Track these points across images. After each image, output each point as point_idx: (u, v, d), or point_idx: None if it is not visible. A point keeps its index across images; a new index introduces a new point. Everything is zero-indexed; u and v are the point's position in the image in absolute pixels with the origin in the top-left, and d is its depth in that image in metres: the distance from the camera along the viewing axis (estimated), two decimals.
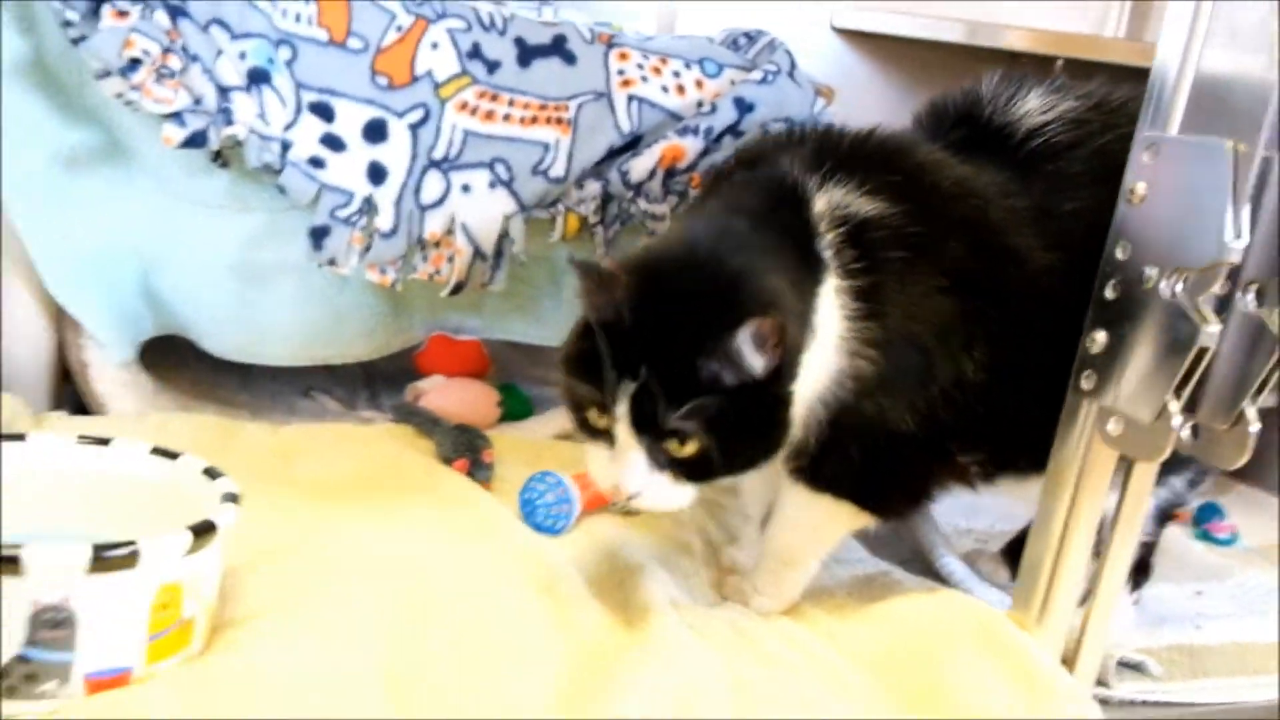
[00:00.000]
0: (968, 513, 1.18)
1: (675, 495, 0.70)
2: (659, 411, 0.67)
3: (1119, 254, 0.66)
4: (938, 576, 0.95)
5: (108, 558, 0.57)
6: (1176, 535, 1.25)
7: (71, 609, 0.56)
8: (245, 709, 0.59)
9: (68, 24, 0.84)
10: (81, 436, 0.73)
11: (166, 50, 0.85)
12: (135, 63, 0.84)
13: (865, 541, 1.01)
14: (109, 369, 0.97)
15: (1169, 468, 0.82)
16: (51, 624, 0.56)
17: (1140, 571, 0.90)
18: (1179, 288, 0.63)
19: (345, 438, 0.98)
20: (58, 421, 0.92)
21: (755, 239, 0.73)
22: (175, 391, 1.04)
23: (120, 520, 0.70)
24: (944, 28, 1.31)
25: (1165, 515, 0.90)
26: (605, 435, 0.70)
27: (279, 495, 0.86)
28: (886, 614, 0.80)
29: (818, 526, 0.82)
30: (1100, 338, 0.68)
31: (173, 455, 0.73)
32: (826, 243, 0.73)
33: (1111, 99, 0.82)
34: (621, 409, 0.68)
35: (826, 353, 0.73)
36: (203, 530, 0.61)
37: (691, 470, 0.70)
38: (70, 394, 0.99)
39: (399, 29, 0.98)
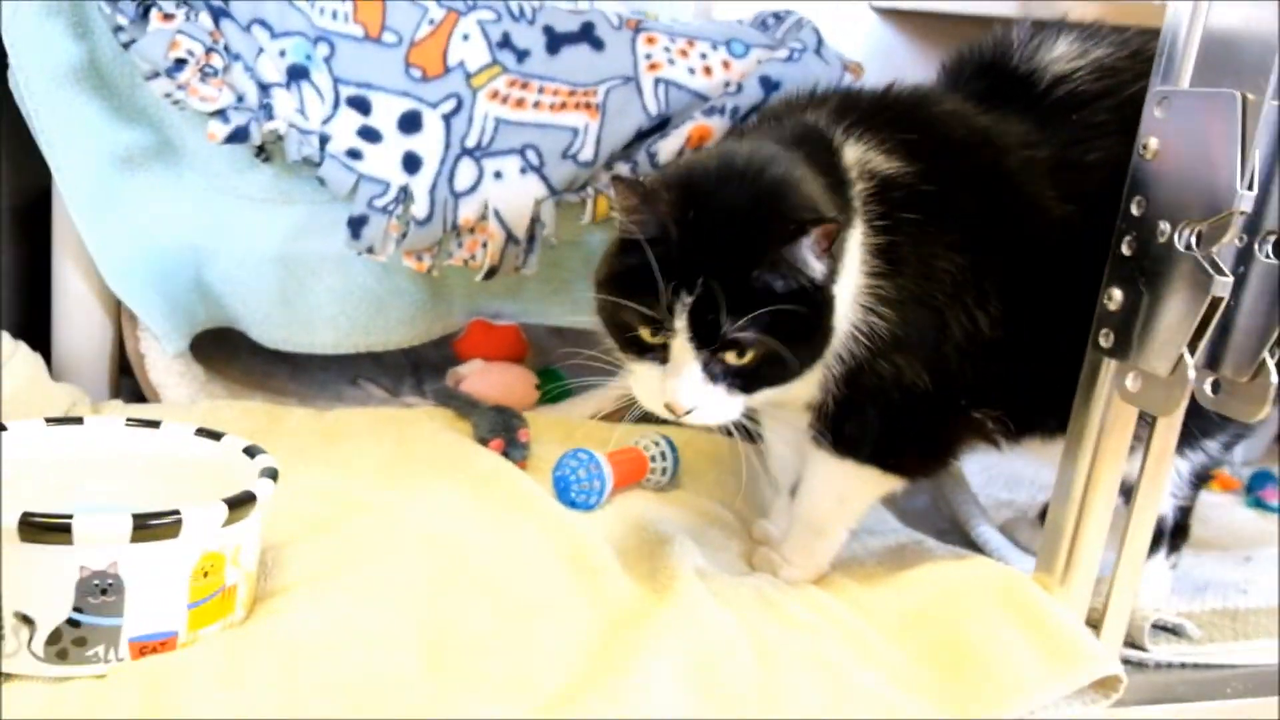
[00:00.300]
0: (1010, 484, 1.18)
1: (728, 407, 0.72)
2: (720, 322, 0.67)
3: (1134, 210, 0.66)
4: (974, 547, 0.95)
5: (151, 526, 0.60)
6: (1227, 502, 1.23)
7: (118, 575, 0.60)
8: (285, 670, 0.62)
9: (119, 29, 0.88)
10: (130, 419, 0.77)
11: (210, 50, 0.89)
12: (181, 63, 0.88)
13: (901, 513, 1.01)
14: (163, 359, 1.01)
15: (1204, 430, 0.81)
16: (99, 590, 0.59)
17: (1178, 535, 0.89)
18: (1193, 241, 0.62)
19: (386, 421, 1.01)
20: (115, 409, 0.96)
21: (795, 160, 0.73)
22: (226, 381, 1.08)
23: (168, 496, 0.73)
24: (995, 4, 1.28)
25: (1201, 478, 0.88)
26: (656, 352, 0.71)
27: (321, 475, 0.89)
28: (913, 580, 0.81)
29: (844, 493, 0.83)
30: (1117, 295, 0.68)
31: (216, 436, 0.76)
32: (856, 193, 0.74)
33: (1149, 47, 0.78)
34: (680, 322, 0.68)
35: (844, 305, 0.73)
36: (241, 501, 0.65)
37: (747, 381, 0.71)
38: (128, 384, 1.04)
39: (431, 22, 1.00)
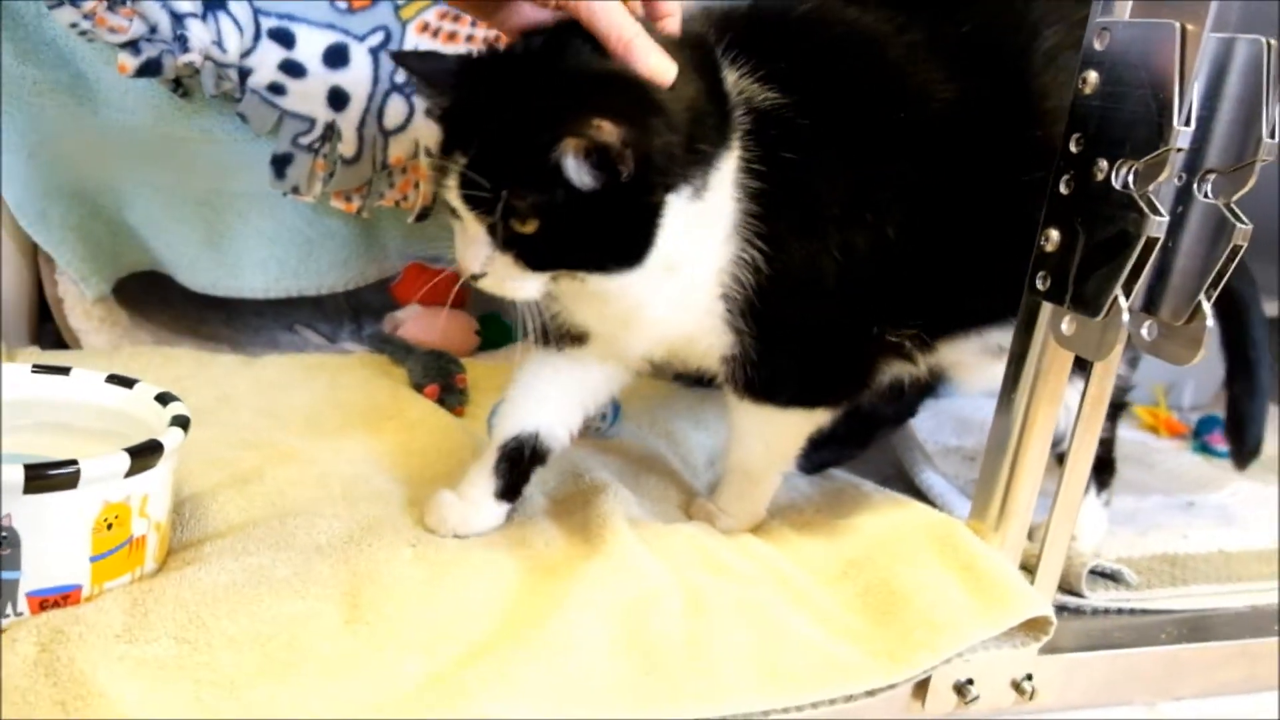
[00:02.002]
0: (959, 430, 1.18)
1: (521, 283, 0.68)
2: (495, 187, 0.64)
3: (1072, 147, 0.64)
4: (918, 493, 0.94)
5: (46, 477, 0.57)
6: (1173, 447, 1.24)
7: (13, 528, 0.57)
8: (194, 621, 0.60)
9: None
10: (37, 365, 0.73)
11: None
12: None
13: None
14: (83, 304, 0.98)
15: None
16: None
17: (1103, 470, 0.89)
18: (1130, 179, 0.60)
19: (318, 368, 0.98)
20: (31, 356, 0.93)
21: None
22: (154, 327, 1.05)
23: (75, 446, 0.70)
24: None
25: (1115, 405, 0.85)
26: (455, 211, 0.69)
27: (247, 422, 0.87)
28: (849, 528, 0.80)
29: (771, 439, 0.81)
30: (1054, 235, 0.66)
31: (129, 383, 0.73)
32: (736, 120, 0.69)
33: None
34: (452, 181, 0.66)
35: (722, 237, 0.70)
36: (146, 450, 0.62)
37: (534, 255, 0.67)
38: (50, 330, 1.00)
39: None
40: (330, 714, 0.55)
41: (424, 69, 0.72)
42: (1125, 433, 1.24)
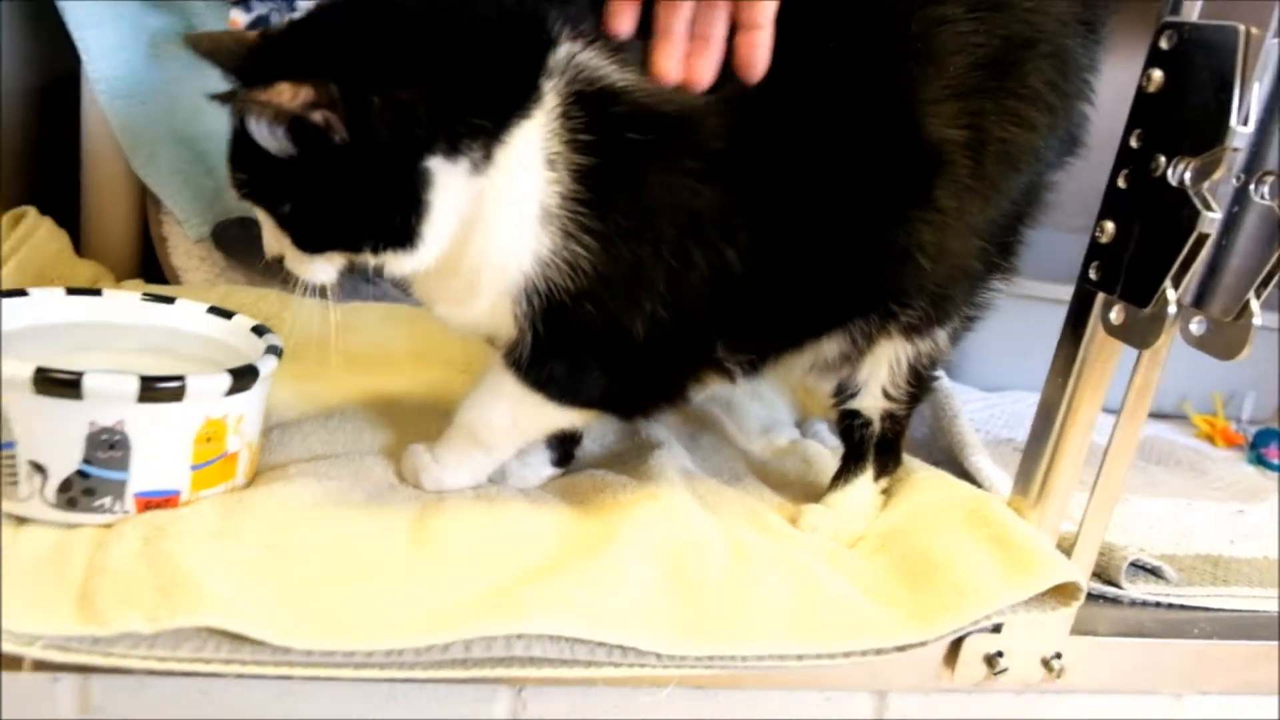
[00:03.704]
0: (1010, 423, 1.20)
1: (309, 266, 0.67)
2: (239, 166, 0.64)
3: (1132, 142, 0.66)
4: (968, 478, 0.96)
5: (157, 389, 0.63)
6: (1230, 457, 1.24)
7: (125, 433, 0.63)
8: (275, 529, 0.66)
9: None
10: (146, 294, 0.80)
11: None
12: None
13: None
14: (185, 243, 1.04)
15: (938, 319, 0.77)
16: (107, 445, 0.63)
17: (884, 451, 0.83)
18: (1186, 176, 0.63)
19: (396, 316, 1.04)
20: (136, 288, 1.00)
21: (430, 5, 0.63)
22: (247, 270, 1.11)
23: (176, 366, 0.76)
24: None
25: (921, 378, 0.81)
26: None
27: (328, 362, 0.92)
28: (894, 500, 0.83)
29: (520, 421, 0.74)
30: (1109, 227, 0.68)
31: (228, 314, 0.79)
32: (554, 90, 0.63)
33: None
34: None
35: (527, 224, 0.64)
36: (244, 373, 0.68)
37: (300, 237, 0.65)
38: (149, 266, 1.07)
39: None
40: (395, 615, 0.60)
41: (213, 51, 0.66)
42: (1180, 439, 1.25)
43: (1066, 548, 0.76)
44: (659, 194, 0.65)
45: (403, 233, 0.63)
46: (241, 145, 0.64)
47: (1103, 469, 0.73)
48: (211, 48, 0.66)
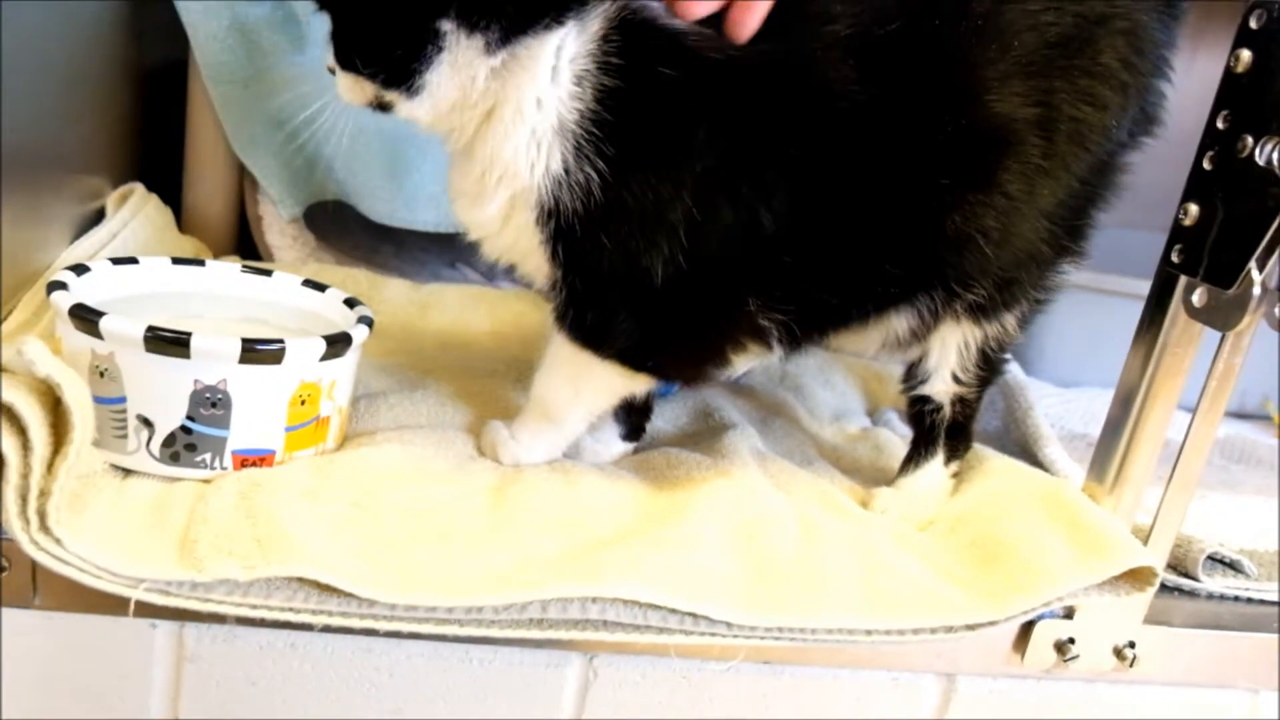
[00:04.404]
0: (1084, 419, 1.18)
1: (340, 81, 0.71)
2: None
3: (1219, 123, 0.66)
4: (1043, 470, 0.96)
5: (257, 351, 0.66)
6: None
7: (227, 392, 0.66)
8: (364, 491, 0.69)
9: None
10: (246, 265, 0.83)
11: None
12: None
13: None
14: (279, 223, 1.09)
15: (1005, 303, 0.77)
16: (210, 403, 0.66)
17: (955, 435, 0.82)
18: (1274, 156, 0.62)
19: (478, 298, 1.07)
20: (232, 262, 1.04)
21: None
22: (336, 251, 1.15)
23: (273, 333, 0.80)
24: None
25: (991, 363, 0.80)
26: None
27: (416, 339, 0.96)
28: (965, 485, 0.83)
29: (581, 386, 0.75)
30: (1193, 210, 0.68)
31: (321, 287, 0.83)
32: (600, 11, 0.65)
33: None
34: None
35: (542, 131, 0.66)
36: (337, 340, 0.70)
37: (336, 48, 0.69)
38: (245, 243, 1.12)
39: None
40: (475, 575, 0.63)
41: None
42: (1260, 436, 1.22)
43: (1142, 537, 0.76)
44: (682, 137, 0.65)
45: (405, 75, 0.66)
46: None
47: (1181, 456, 0.72)
48: None
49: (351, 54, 0.68)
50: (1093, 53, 0.68)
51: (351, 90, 0.70)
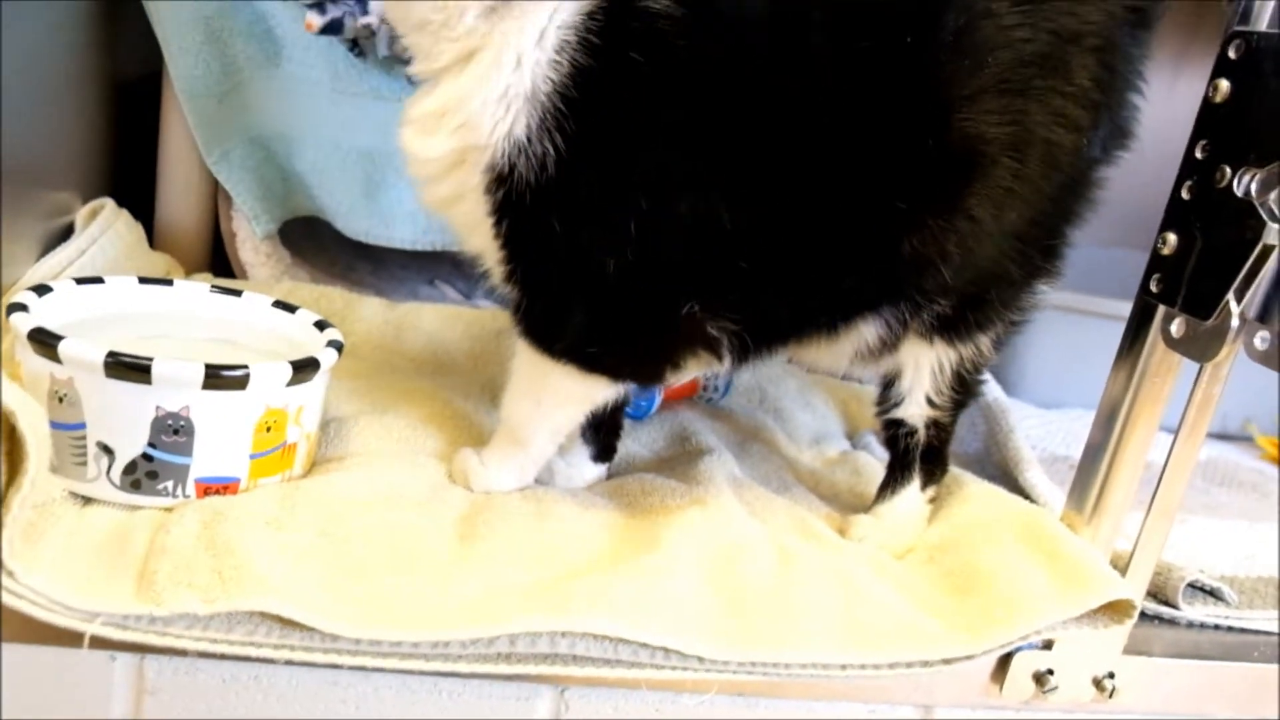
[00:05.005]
0: (1066, 441, 1.18)
1: None
2: None
3: (1197, 153, 0.65)
4: (1023, 493, 0.95)
5: (221, 376, 0.65)
6: None
7: (189, 419, 0.65)
8: (331, 518, 0.67)
9: None
10: (215, 285, 0.82)
11: None
12: None
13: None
14: (253, 240, 1.07)
15: (978, 324, 0.76)
16: (172, 430, 0.65)
17: (930, 459, 0.82)
18: (1252, 187, 0.61)
19: (455, 318, 1.05)
20: (204, 280, 1.02)
21: None
22: (311, 268, 1.14)
23: (241, 356, 0.79)
24: None
25: (965, 384, 0.79)
26: None
27: (386, 361, 0.94)
28: (944, 511, 0.82)
29: (541, 394, 0.74)
30: (1171, 239, 0.67)
31: (292, 309, 0.81)
32: None
33: None
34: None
35: (513, 92, 0.64)
36: (305, 365, 0.69)
37: None
38: (218, 259, 1.10)
39: None
40: (443, 608, 0.61)
41: None
42: (1244, 460, 1.22)
43: (1121, 566, 0.75)
44: (642, 124, 0.64)
45: None
46: None
47: (1160, 484, 0.71)
48: None
49: None
50: (1066, 72, 0.67)
51: None
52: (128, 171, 1.04)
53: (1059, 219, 0.73)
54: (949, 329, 0.75)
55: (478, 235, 0.70)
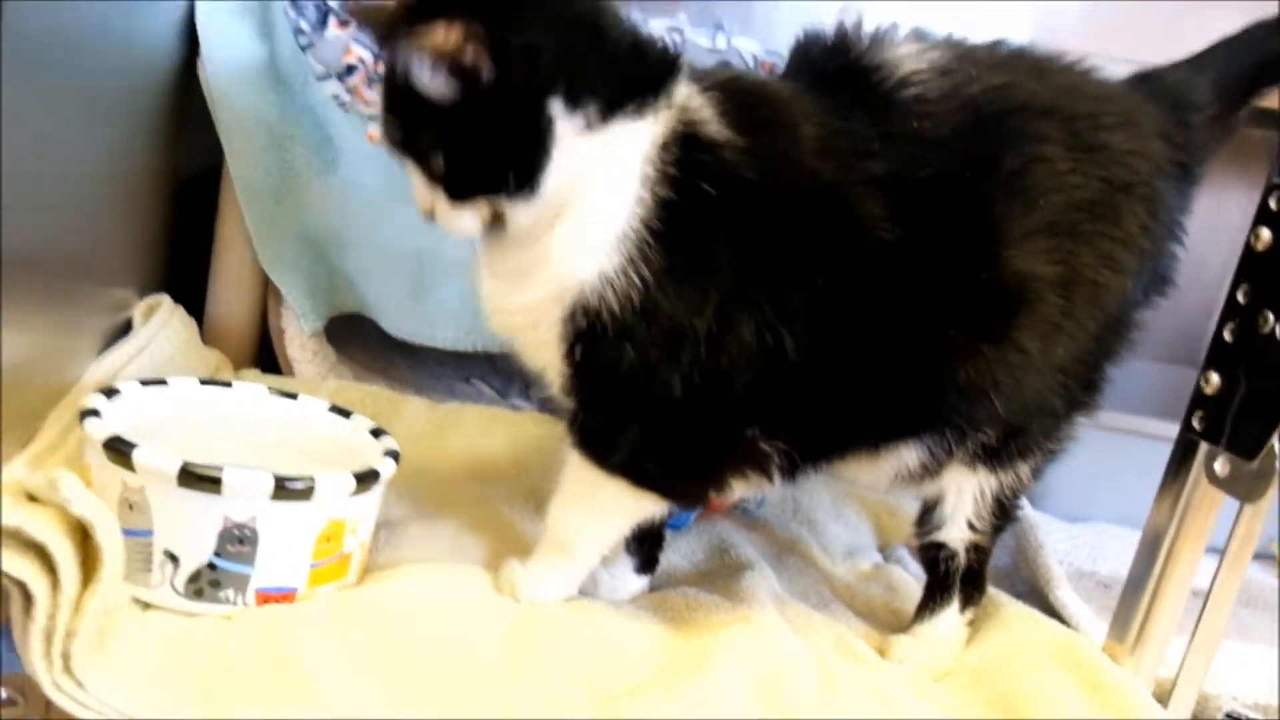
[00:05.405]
0: (1092, 556, 1.18)
1: (457, 217, 0.69)
2: (396, 124, 0.68)
3: (1239, 297, 0.68)
4: (1052, 611, 0.96)
5: (289, 488, 0.66)
6: None
7: (255, 529, 0.66)
8: (385, 629, 0.68)
9: (299, 32, 0.97)
10: (271, 389, 0.84)
11: (377, 58, 0.97)
12: (351, 68, 0.96)
13: None
14: (300, 337, 1.09)
15: (1019, 452, 0.78)
16: (238, 539, 0.66)
17: (970, 582, 0.83)
18: None
19: (495, 420, 1.07)
20: (253, 377, 1.05)
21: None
22: (353, 364, 1.16)
23: (297, 462, 0.80)
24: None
25: (1005, 509, 0.81)
26: None
27: (435, 464, 0.96)
28: (979, 636, 0.83)
29: (592, 506, 0.75)
30: (1214, 379, 0.69)
31: (346, 414, 0.83)
32: (665, 119, 0.68)
33: (978, 49, 0.73)
34: (374, 127, 0.70)
35: (605, 236, 0.67)
36: (367, 476, 0.71)
37: (450, 186, 0.68)
38: (265, 355, 1.12)
39: None
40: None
41: (370, 17, 0.70)
42: (1265, 578, 1.22)
43: (1162, 694, 0.75)
44: (715, 252, 0.67)
45: (531, 174, 0.66)
46: (397, 94, 0.68)
47: (1203, 617, 0.72)
48: (369, 15, 0.70)
49: (473, 181, 0.68)
50: (1115, 218, 0.71)
51: (465, 219, 0.70)
52: (178, 265, 1.07)
53: (1100, 356, 0.76)
54: (992, 457, 0.77)
55: (545, 353, 0.72)
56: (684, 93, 0.69)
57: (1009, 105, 0.70)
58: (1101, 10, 1.30)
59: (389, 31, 0.67)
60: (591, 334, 0.68)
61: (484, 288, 0.74)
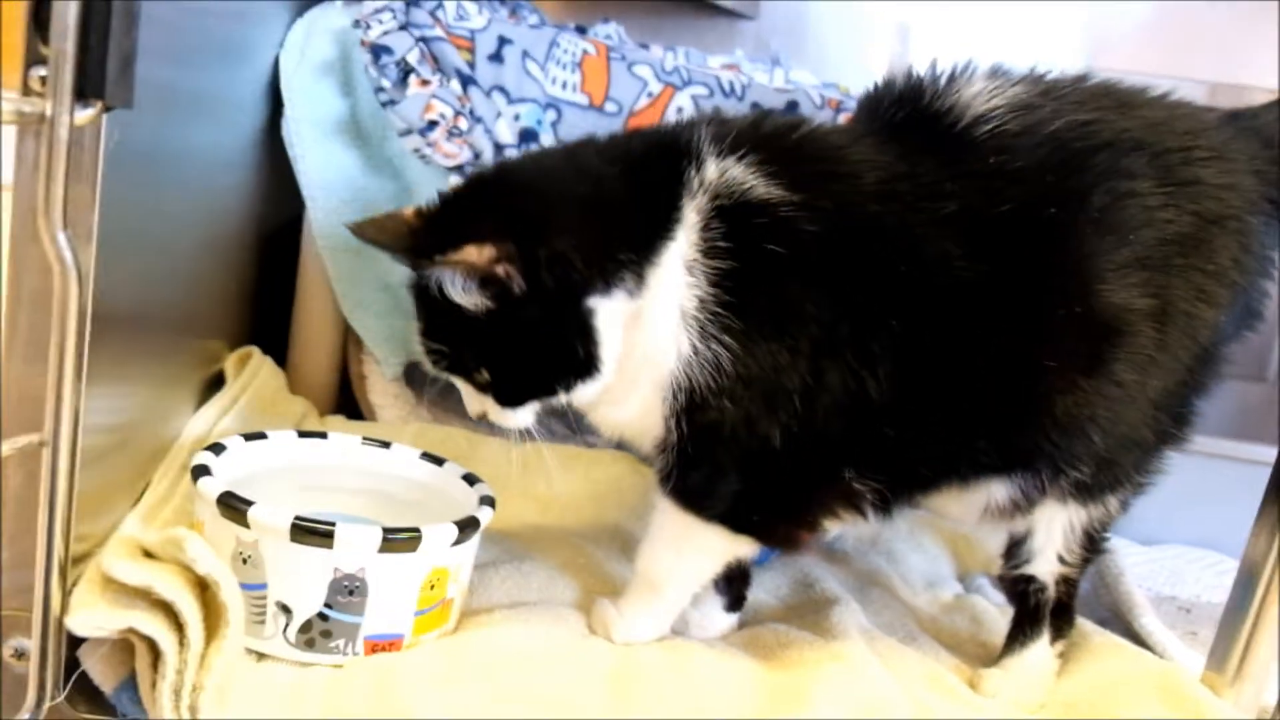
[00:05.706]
0: (1171, 580, 1.17)
1: (513, 416, 0.75)
2: (436, 345, 0.73)
3: None
4: (1136, 638, 0.95)
5: (396, 539, 0.68)
6: None
7: (364, 579, 0.68)
8: (490, 675, 0.70)
9: (380, 89, 1.00)
10: (365, 438, 0.86)
11: (458, 113, 1.00)
12: (433, 123, 0.99)
13: None
14: (381, 382, 1.12)
15: (1110, 486, 0.78)
16: (348, 590, 0.68)
17: (1060, 615, 0.82)
18: None
19: (574, 459, 1.08)
20: (339, 423, 1.07)
21: (572, 167, 0.73)
22: (431, 408, 1.18)
23: (395, 510, 0.83)
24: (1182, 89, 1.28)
25: (1094, 541, 0.81)
26: None
27: (518, 505, 0.97)
28: (1072, 668, 0.83)
29: (685, 550, 0.77)
30: None
31: (439, 461, 0.85)
32: (694, 208, 0.70)
33: (1060, 83, 0.75)
34: (417, 345, 0.75)
35: (671, 326, 0.70)
36: (467, 525, 0.73)
37: (501, 395, 0.73)
38: (346, 401, 1.15)
39: (650, 95, 1.08)
40: None
41: (377, 235, 0.77)
42: None
43: None
44: (794, 306, 0.70)
45: (586, 365, 0.71)
46: (433, 317, 0.73)
47: None
48: (375, 233, 0.77)
49: (523, 389, 0.73)
50: (1208, 252, 0.72)
51: (525, 417, 0.75)
52: (263, 315, 1.10)
53: (1191, 389, 0.76)
54: (1083, 491, 0.77)
55: (652, 434, 0.75)
56: (714, 170, 0.71)
57: (1096, 141, 0.71)
58: (1150, 27, 1.30)
59: (410, 246, 0.73)
60: (691, 404, 0.71)
61: (596, 418, 0.79)
